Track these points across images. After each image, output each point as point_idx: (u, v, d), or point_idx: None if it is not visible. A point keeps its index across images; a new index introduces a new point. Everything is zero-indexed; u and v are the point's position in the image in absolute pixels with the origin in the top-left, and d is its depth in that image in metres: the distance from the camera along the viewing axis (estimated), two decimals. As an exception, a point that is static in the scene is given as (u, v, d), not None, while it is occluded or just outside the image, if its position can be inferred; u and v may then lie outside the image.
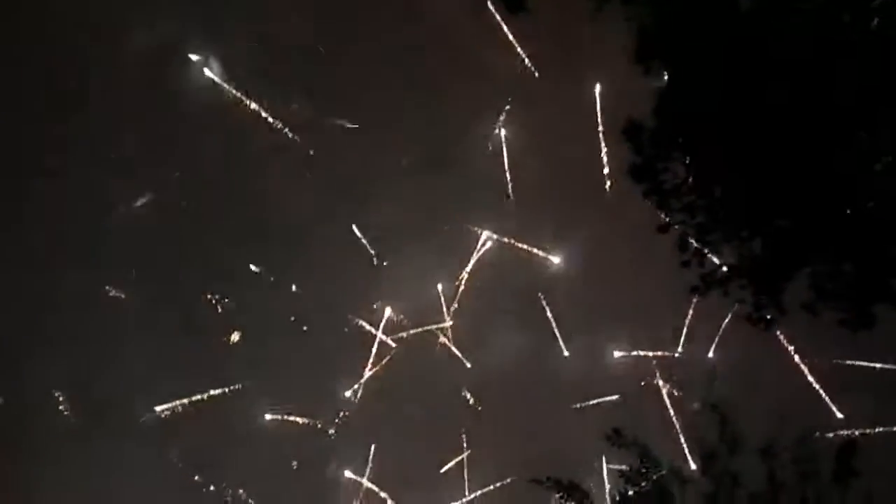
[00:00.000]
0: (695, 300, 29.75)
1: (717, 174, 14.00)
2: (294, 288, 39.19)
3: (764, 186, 13.60)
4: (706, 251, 14.25)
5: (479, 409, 37.33)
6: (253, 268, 38.60)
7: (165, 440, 37.77)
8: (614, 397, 36.15)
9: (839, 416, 32.59)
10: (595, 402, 36.28)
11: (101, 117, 36.50)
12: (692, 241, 13.99)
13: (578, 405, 36.22)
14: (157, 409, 38.05)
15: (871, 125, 12.98)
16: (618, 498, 15.31)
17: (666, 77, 13.52)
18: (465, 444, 37.09)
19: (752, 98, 13.14)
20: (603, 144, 35.07)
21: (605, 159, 34.91)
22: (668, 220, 14.11)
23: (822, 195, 13.29)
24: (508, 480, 34.90)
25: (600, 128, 35.50)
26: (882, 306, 13.58)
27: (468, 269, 38.36)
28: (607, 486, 28.74)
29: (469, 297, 38.54)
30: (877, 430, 31.02)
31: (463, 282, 38.51)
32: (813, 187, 13.27)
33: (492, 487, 36.67)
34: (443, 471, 37.44)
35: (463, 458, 37.25)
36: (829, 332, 14.00)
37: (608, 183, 34.40)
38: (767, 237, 13.99)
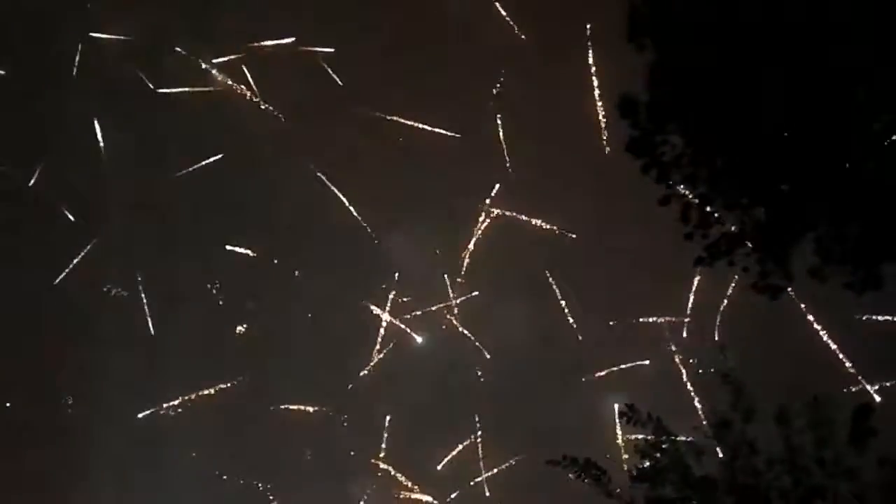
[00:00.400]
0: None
1: (717, 143, 14.14)
2: (296, 274, 39.37)
3: (764, 152, 13.75)
4: (715, 214, 14.40)
5: (491, 386, 37.57)
6: (250, 253, 38.82)
7: (177, 436, 38.09)
8: (625, 367, 36.41)
9: (854, 373, 32.91)
10: (606, 372, 36.54)
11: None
12: (694, 212, 14.16)
13: (590, 377, 36.47)
14: (165, 405, 38.37)
15: (868, 83, 13.10)
16: (634, 472, 15.48)
17: (659, 51, 13.67)
18: (478, 424, 37.36)
19: (747, 64, 13.29)
20: (601, 116, 35.24)
21: (604, 133, 35.09)
22: (669, 192, 14.28)
23: (823, 157, 13.43)
24: (523, 458, 35.13)
25: (598, 101, 35.65)
26: (889, 266, 13.77)
27: (471, 245, 38.54)
28: (624, 456, 29.13)
29: (473, 275, 38.76)
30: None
31: (466, 258, 38.70)
32: (813, 150, 13.42)
33: (506, 465, 36.97)
34: (457, 451, 37.72)
35: (477, 438, 37.52)
36: (837, 293, 14.21)
37: (607, 149, 34.60)
38: (770, 204, 14.16)
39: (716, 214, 14.16)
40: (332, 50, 38.47)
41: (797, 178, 13.76)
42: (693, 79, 13.70)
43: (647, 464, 15.58)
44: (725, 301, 34.33)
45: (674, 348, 35.65)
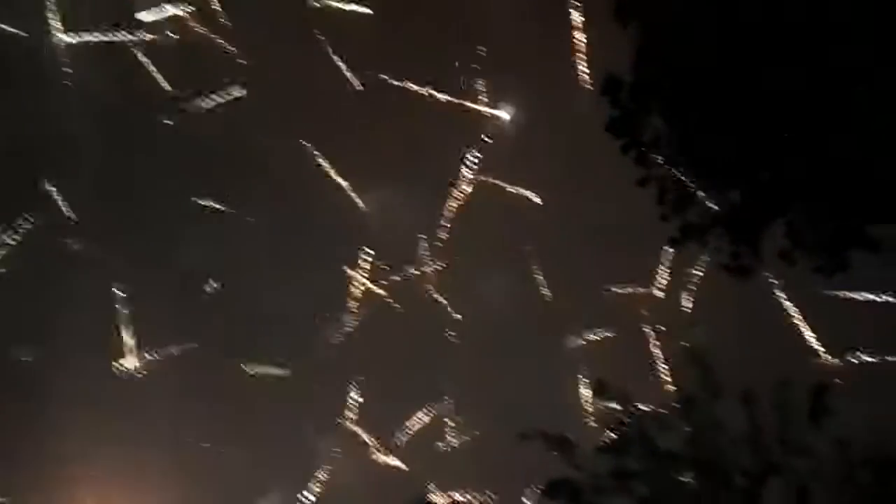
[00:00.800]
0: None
1: (697, 126, 14.62)
2: (270, 233, 39.34)
3: (744, 138, 14.25)
4: (691, 196, 14.89)
5: (462, 353, 37.95)
6: (219, 207, 38.76)
7: (140, 396, 38.24)
8: (596, 337, 36.95)
9: (821, 352, 33.71)
10: (577, 342, 37.09)
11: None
12: (671, 194, 14.68)
13: (562, 346, 36.98)
14: (129, 364, 38.46)
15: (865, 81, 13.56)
16: (601, 445, 16.09)
17: (644, 32, 14.10)
18: (448, 390, 37.78)
19: (729, 51, 13.75)
20: (587, 84, 35.54)
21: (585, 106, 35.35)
22: (647, 174, 14.80)
23: (799, 144, 13.94)
24: (493, 424, 35.54)
25: (582, 76, 35.99)
26: (857, 252, 14.36)
27: (449, 211, 38.82)
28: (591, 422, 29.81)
29: (451, 241, 39.05)
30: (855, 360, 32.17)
31: (445, 224, 38.98)
32: (789, 136, 13.92)
33: (476, 432, 37.50)
34: (427, 416, 38.17)
35: (447, 404, 38.00)
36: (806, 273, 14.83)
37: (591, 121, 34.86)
38: (745, 187, 14.70)
39: (692, 196, 14.65)
40: (317, 5, 38.43)
41: (775, 166, 14.28)
42: (678, 61, 14.15)
43: (613, 436, 16.23)
44: (698, 277, 34.99)
45: (645, 322, 36.22)
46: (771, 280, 32.17)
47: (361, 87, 38.84)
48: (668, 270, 36.12)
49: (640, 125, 14.68)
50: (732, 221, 14.68)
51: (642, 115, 14.63)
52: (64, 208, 38.67)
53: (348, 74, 38.70)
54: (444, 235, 39.20)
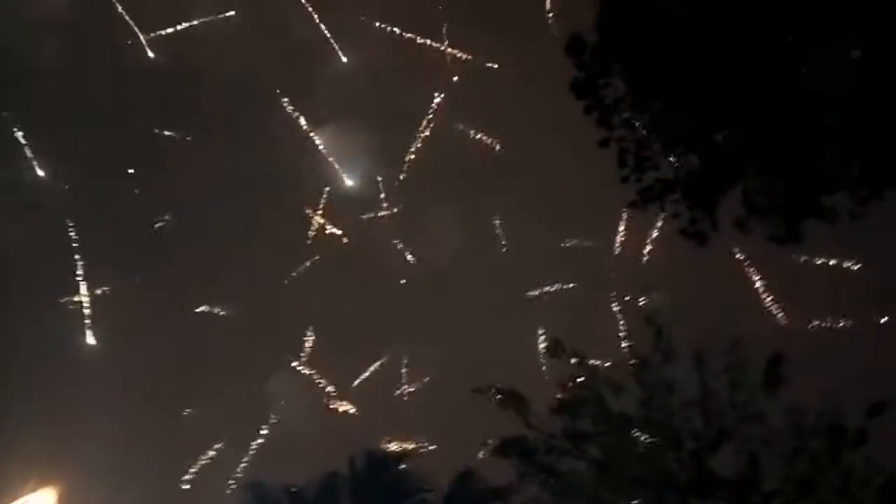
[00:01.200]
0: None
1: (657, 88, 14.76)
2: (228, 169, 38.89)
3: (703, 102, 14.41)
4: (650, 160, 15.08)
5: (417, 298, 37.97)
6: (175, 136, 38.43)
7: (89, 330, 38.08)
8: (552, 289, 37.19)
9: (778, 316, 34.27)
10: (532, 292, 37.31)
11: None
12: (631, 157, 14.84)
13: (517, 296, 37.12)
14: (76, 297, 38.24)
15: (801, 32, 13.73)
16: (555, 405, 16.43)
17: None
18: (403, 336, 37.82)
19: (688, 16, 13.87)
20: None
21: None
22: (608, 135, 14.93)
23: (757, 109, 14.13)
24: (446, 372, 35.73)
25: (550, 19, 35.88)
26: (811, 222, 14.65)
27: (409, 154, 38.70)
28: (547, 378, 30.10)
29: (409, 184, 38.97)
30: (811, 326, 32.78)
31: (404, 167, 38.87)
32: (748, 101, 14.11)
33: (428, 379, 37.72)
34: (380, 362, 38.32)
35: (400, 350, 38.15)
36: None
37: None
38: (704, 152, 14.90)
39: (651, 160, 14.82)
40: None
41: (732, 129, 14.48)
42: (642, 23, 14.24)
43: (567, 397, 16.59)
44: (656, 239, 35.33)
45: (601, 279, 36.45)
46: (729, 244, 32.52)
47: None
48: (627, 230, 36.36)
49: (603, 87, 14.76)
50: (690, 187, 14.86)
51: (604, 77, 14.71)
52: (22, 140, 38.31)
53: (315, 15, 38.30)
54: (404, 178, 39.09)
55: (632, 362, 16.64)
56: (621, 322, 34.48)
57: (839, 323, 32.63)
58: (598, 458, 16.01)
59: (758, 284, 34.63)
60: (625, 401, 16.33)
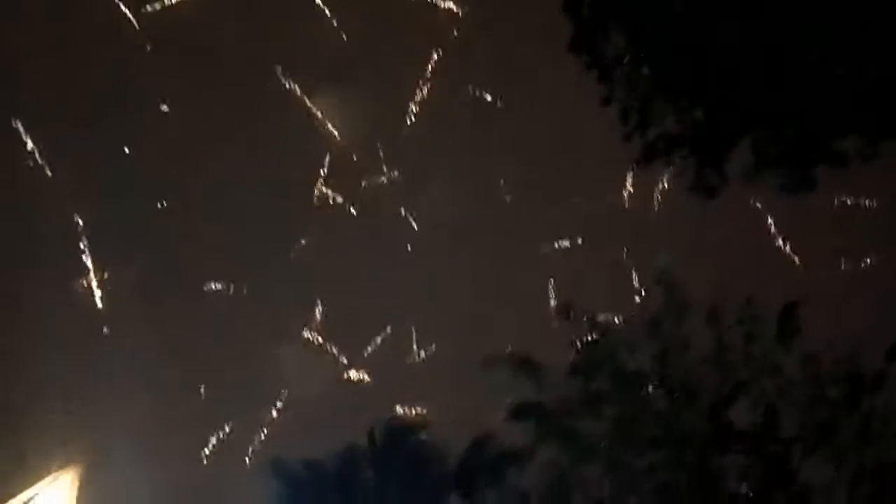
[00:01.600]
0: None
1: (658, 44, 14.66)
2: (227, 143, 38.79)
3: (705, 54, 14.33)
4: (653, 115, 15.01)
5: (423, 264, 37.95)
6: (170, 112, 38.30)
7: (101, 317, 38.28)
8: (560, 247, 37.10)
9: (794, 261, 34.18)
10: (544, 251, 37.24)
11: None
12: (633, 114, 14.78)
13: (525, 256, 37.04)
14: (86, 279, 38.38)
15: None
16: (569, 369, 16.50)
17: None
18: (412, 303, 37.90)
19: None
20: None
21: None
22: (610, 93, 14.86)
23: (762, 60, 14.06)
24: (457, 339, 35.71)
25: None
26: (823, 168, 14.61)
27: (409, 116, 38.49)
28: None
29: (410, 146, 38.83)
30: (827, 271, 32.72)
31: (404, 129, 38.71)
32: (752, 52, 14.03)
33: (440, 346, 37.73)
34: (391, 329, 38.39)
35: (410, 317, 38.16)
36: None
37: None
38: (708, 105, 14.83)
39: (655, 117, 14.76)
40: None
41: (737, 81, 14.38)
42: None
43: (581, 358, 16.66)
44: (664, 194, 35.17)
45: (611, 236, 36.30)
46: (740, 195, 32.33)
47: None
48: (635, 187, 36.19)
49: (602, 43, 14.67)
50: (697, 141, 14.81)
51: (602, 32, 14.61)
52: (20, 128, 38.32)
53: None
54: (404, 142, 38.95)
55: (644, 320, 16.66)
56: (634, 279, 34.51)
57: (859, 264, 32.59)
58: (614, 418, 16.11)
59: (772, 231, 34.52)
60: (639, 360, 16.39)
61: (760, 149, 14.59)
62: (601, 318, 16.88)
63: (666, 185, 34.64)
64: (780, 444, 15.90)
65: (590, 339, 16.62)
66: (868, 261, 32.94)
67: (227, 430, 37.68)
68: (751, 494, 16.18)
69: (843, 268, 33.22)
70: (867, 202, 33.04)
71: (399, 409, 32.61)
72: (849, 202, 32.69)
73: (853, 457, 15.76)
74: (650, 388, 16.22)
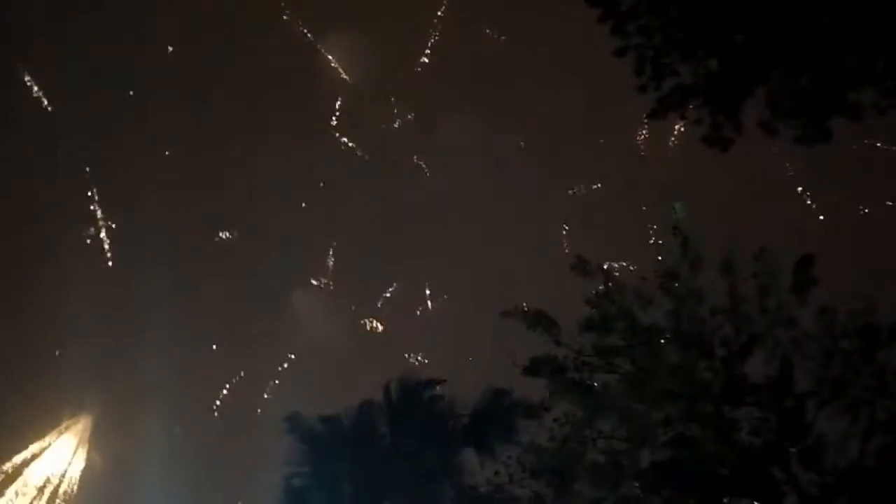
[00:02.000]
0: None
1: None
2: (239, 89, 38.90)
3: (719, 2, 14.28)
4: (668, 66, 14.97)
5: (437, 212, 38.10)
6: (179, 57, 38.39)
7: (112, 258, 38.63)
8: (575, 192, 37.12)
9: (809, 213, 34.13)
10: (555, 197, 37.29)
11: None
12: (648, 64, 14.74)
13: (540, 201, 37.12)
14: (96, 228, 38.68)
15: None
16: (584, 322, 16.65)
17: None
18: (426, 250, 38.03)
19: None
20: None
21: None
22: (624, 44, 14.81)
23: (776, 7, 14.00)
24: (471, 291, 35.97)
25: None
26: (838, 120, 14.59)
27: (422, 60, 38.43)
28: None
29: (422, 92, 38.84)
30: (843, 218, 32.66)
31: (415, 75, 38.70)
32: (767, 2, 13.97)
33: (453, 296, 37.97)
34: (403, 279, 38.65)
35: (424, 267, 38.37)
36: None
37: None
38: (723, 55, 14.78)
39: (669, 67, 14.71)
40: None
41: (751, 29, 14.34)
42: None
43: (596, 312, 16.79)
44: (678, 140, 35.10)
45: (627, 183, 36.31)
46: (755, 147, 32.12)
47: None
48: (649, 138, 36.13)
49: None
50: (711, 91, 14.78)
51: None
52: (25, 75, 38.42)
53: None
54: (417, 86, 38.90)
55: (659, 273, 16.75)
56: (650, 231, 34.57)
57: (876, 210, 32.55)
58: (629, 371, 16.27)
59: (788, 181, 34.49)
60: (653, 313, 16.51)
61: (775, 100, 14.55)
62: (615, 270, 16.98)
63: (681, 138, 34.64)
64: (795, 398, 16.04)
65: (605, 293, 16.71)
66: (883, 209, 32.89)
67: (241, 375, 38.28)
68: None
69: (861, 212, 33.19)
70: (881, 152, 32.96)
71: (412, 358, 32.92)
72: (862, 154, 32.57)
73: (866, 410, 15.89)
74: (664, 340, 16.33)
